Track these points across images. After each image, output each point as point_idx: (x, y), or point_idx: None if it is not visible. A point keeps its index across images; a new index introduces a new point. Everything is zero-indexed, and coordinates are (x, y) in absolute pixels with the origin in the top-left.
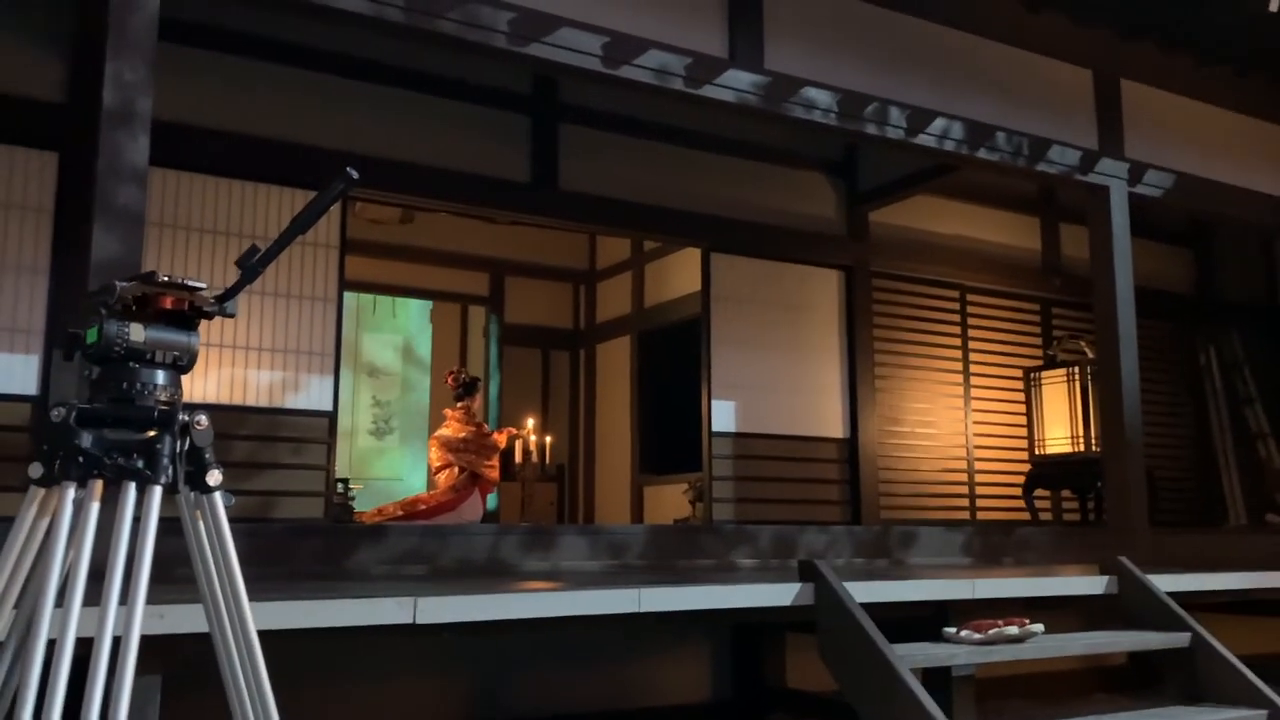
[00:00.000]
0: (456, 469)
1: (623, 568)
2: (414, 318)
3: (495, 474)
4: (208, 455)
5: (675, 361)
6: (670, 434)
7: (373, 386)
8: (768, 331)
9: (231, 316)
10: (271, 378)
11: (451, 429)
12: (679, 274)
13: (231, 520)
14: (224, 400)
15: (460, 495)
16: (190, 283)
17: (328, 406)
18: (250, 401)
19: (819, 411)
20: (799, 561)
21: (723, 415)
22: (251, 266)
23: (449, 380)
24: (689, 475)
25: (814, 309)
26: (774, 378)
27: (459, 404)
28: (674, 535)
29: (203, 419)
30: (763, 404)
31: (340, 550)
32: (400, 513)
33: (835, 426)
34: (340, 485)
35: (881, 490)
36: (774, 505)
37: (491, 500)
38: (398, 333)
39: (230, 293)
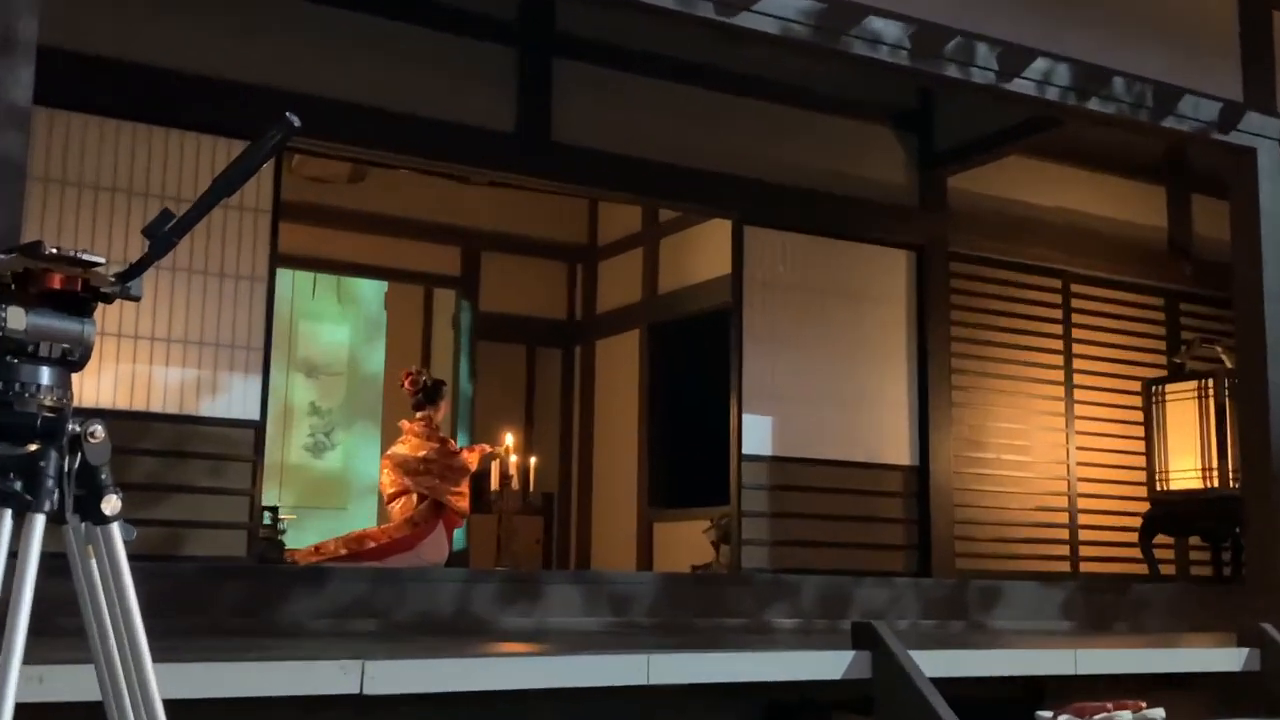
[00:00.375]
0: (415, 496)
1: (627, 626)
2: (365, 303)
3: (464, 503)
4: (104, 476)
5: (696, 364)
6: (688, 457)
7: (311, 390)
8: (816, 328)
9: (136, 300)
10: (184, 377)
11: (409, 446)
12: (703, 252)
13: (132, 558)
14: (124, 406)
15: (420, 530)
16: (85, 256)
17: (254, 415)
18: (156, 407)
19: (880, 431)
20: (852, 623)
21: (756, 434)
22: (163, 236)
23: (406, 384)
24: (712, 510)
25: (876, 300)
26: (823, 387)
27: (419, 414)
28: (692, 586)
29: (98, 429)
30: (807, 420)
31: (269, 598)
32: (344, 551)
33: (900, 451)
34: (268, 515)
35: (958, 533)
36: (820, 550)
37: (459, 537)
38: (343, 322)
39: (135, 269)
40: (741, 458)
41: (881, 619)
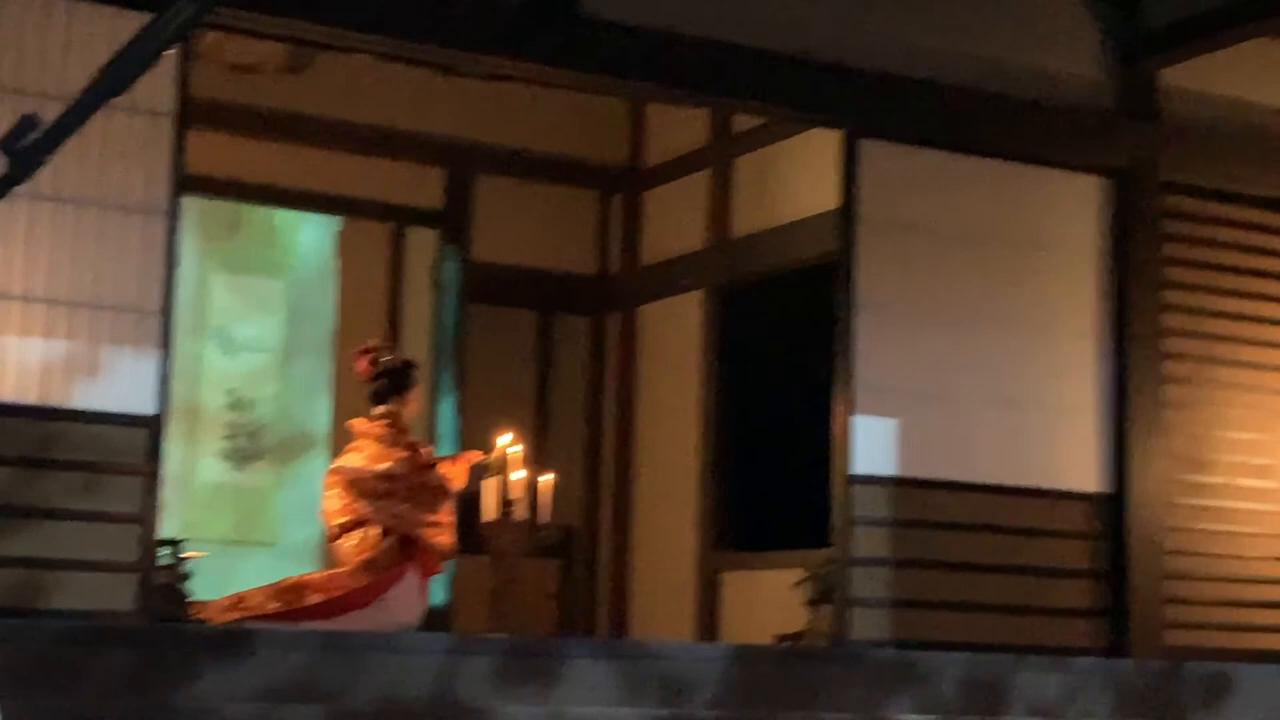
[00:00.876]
0: (375, 529)
1: None
2: (308, 248)
3: (445, 539)
4: None
5: (785, 342)
6: (772, 477)
7: (231, 373)
8: (962, 290)
9: None
10: (48, 354)
11: (366, 455)
12: (798, 179)
13: None
14: None
15: (383, 578)
16: None
17: (148, 407)
18: (7, 397)
19: (1054, 443)
20: None
21: (872, 445)
22: (25, 152)
23: (363, 366)
24: (806, 554)
25: (1052, 249)
26: (970, 378)
27: (379, 410)
28: (777, 665)
29: None
30: (946, 426)
31: (167, 673)
32: (275, 607)
33: (1085, 472)
34: (167, 553)
35: (1170, 592)
36: (966, 616)
37: (437, 588)
38: (275, 275)
39: None
40: (850, 479)
41: (1057, 718)
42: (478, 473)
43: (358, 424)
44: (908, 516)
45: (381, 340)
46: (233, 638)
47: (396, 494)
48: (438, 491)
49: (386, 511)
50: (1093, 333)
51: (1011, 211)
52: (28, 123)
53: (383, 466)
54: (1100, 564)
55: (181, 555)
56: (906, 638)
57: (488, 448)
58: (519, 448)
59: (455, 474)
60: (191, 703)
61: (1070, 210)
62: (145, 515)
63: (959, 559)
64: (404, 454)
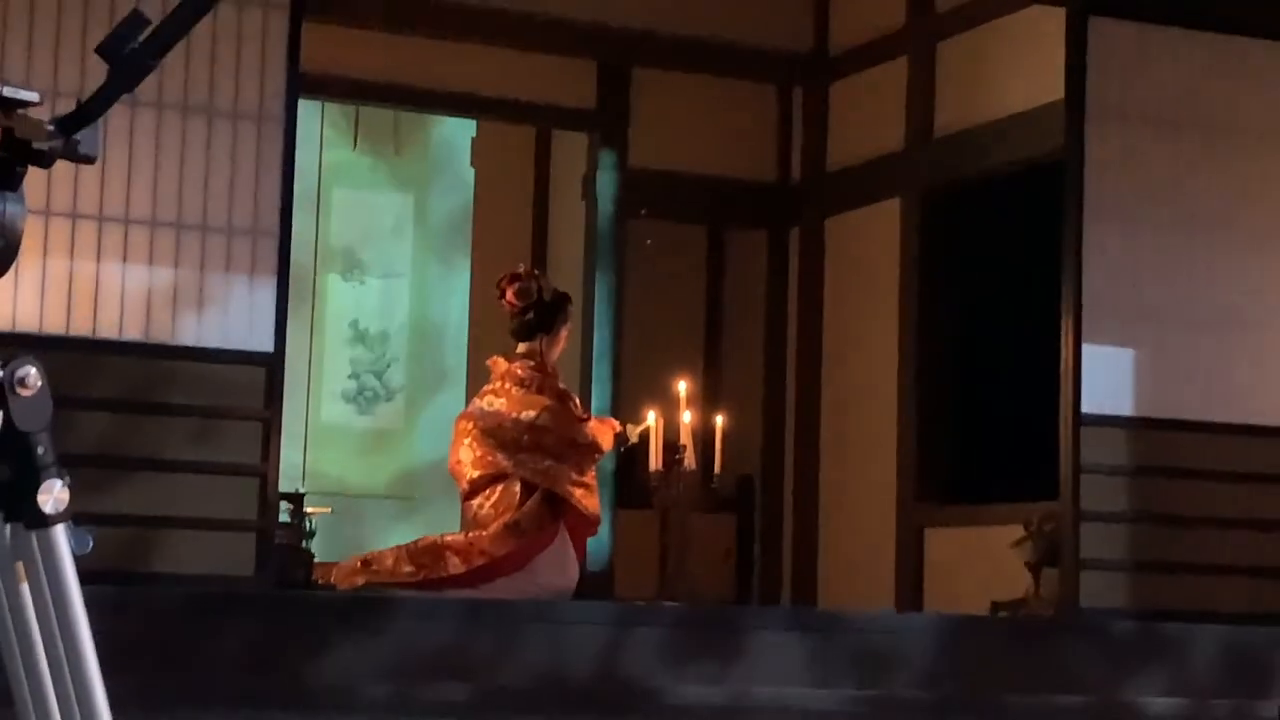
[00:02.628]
0: (517, 485)
1: (885, 704)
2: (440, 157)
3: (593, 502)
4: (42, 450)
5: (1000, 257)
6: (984, 417)
7: (355, 302)
8: (1216, 198)
9: (88, 161)
10: (153, 284)
11: (507, 400)
12: (1014, 65)
13: (84, 579)
14: (57, 329)
15: (531, 543)
16: (8, 92)
17: (265, 344)
18: (108, 333)
19: None
20: None
21: (1105, 380)
22: (131, 57)
23: (509, 295)
24: (1026, 508)
25: None
26: (1222, 299)
27: (523, 348)
28: (994, 638)
29: (31, 373)
30: (1194, 356)
31: (292, 646)
32: (410, 571)
33: None
34: (286, 509)
35: None
36: (1219, 580)
37: (595, 549)
38: (404, 188)
39: (87, 112)
40: (1079, 420)
41: None
42: (620, 442)
43: (497, 363)
44: (1149, 463)
45: (527, 267)
46: (365, 606)
47: (542, 447)
48: (587, 450)
49: (530, 466)
50: None
51: (1273, 100)
52: (135, 21)
53: (527, 415)
54: None
55: (304, 511)
56: (1148, 606)
57: (643, 406)
58: (687, 387)
59: (601, 432)
60: (319, 680)
61: None
62: (264, 466)
63: (1211, 513)
64: (551, 402)
